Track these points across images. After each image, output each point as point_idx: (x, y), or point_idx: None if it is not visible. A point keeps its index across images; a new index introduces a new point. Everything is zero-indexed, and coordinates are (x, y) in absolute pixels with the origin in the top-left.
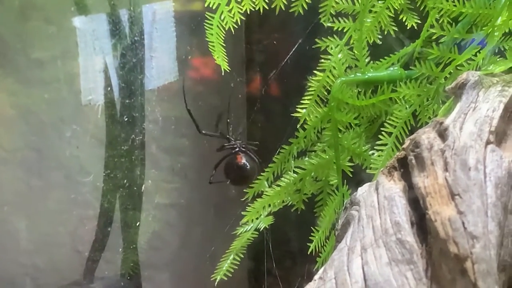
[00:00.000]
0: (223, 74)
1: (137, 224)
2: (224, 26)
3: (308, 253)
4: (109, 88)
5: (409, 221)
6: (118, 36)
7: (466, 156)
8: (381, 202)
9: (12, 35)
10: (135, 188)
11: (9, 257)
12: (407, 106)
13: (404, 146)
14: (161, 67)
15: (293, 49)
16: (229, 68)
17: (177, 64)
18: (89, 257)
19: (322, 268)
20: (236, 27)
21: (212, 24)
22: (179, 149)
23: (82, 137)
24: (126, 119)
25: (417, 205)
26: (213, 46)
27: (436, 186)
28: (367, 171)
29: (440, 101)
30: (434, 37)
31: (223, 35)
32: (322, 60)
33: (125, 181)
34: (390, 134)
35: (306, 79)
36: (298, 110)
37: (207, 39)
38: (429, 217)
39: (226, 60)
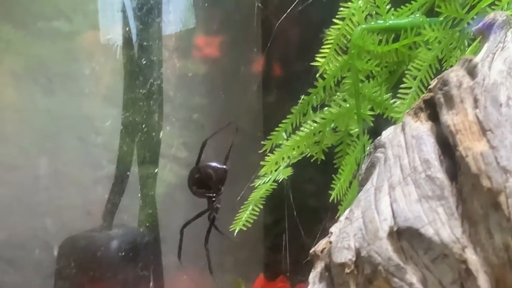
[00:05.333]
0: None
1: (155, 171)
2: None
3: (330, 201)
4: (127, 29)
5: (438, 159)
6: None
7: (497, 92)
8: (408, 141)
9: None
10: (153, 134)
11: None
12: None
13: (431, 86)
14: (178, 12)
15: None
16: None
17: (194, 11)
18: (108, 200)
19: (348, 209)
20: None
21: None
22: (195, 101)
23: (101, 75)
24: (144, 62)
25: (445, 145)
26: None
27: (466, 123)
28: (392, 115)
29: (466, 45)
30: None
31: None
32: (342, 9)
33: (143, 125)
34: (414, 78)
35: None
36: (318, 59)
37: None
38: (459, 154)
39: None
